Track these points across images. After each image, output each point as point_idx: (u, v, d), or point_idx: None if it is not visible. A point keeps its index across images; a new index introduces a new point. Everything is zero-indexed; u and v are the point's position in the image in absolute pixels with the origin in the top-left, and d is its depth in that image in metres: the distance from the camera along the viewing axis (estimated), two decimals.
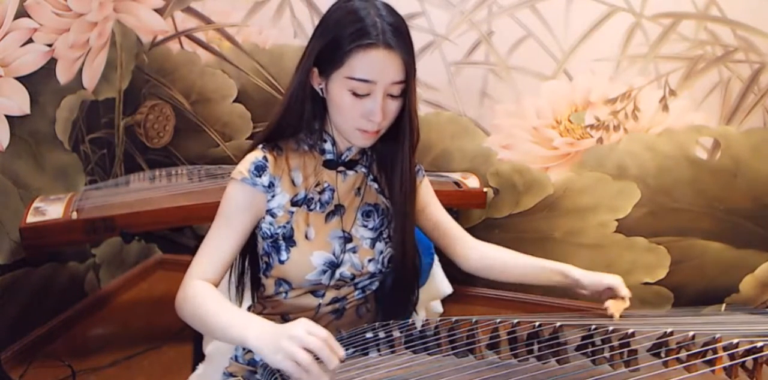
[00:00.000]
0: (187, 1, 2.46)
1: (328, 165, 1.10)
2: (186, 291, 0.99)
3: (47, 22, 2.10)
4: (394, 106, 1.00)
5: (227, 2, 2.42)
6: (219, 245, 1.03)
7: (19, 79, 2.02)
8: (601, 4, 2.10)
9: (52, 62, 2.16)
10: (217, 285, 1.02)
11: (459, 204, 2.21)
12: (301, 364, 0.77)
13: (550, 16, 2.15)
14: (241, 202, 1.05)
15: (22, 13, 1.99)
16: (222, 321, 0.91)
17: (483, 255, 1.22)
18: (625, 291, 1.12)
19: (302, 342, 0.79)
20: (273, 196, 1.06)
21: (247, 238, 1.07)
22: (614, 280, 1.14)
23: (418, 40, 2.25)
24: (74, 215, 1.79)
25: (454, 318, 0.97)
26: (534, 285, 1.21)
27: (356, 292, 1.14)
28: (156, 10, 2.49)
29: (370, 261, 1.11)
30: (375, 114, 0.98)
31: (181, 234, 2.74)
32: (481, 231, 2.41)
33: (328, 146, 1.09)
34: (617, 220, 2.30)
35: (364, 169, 1.13)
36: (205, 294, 0.97)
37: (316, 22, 1.03)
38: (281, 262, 1.07)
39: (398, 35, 0.96)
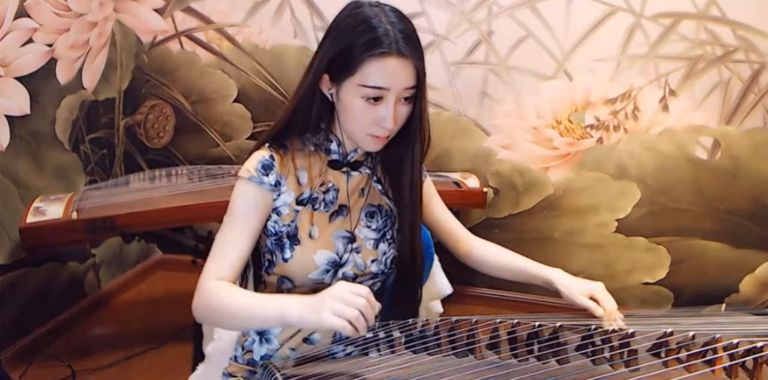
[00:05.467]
0: (187, 1, 2.46)
1: (333, 165, 1.11)
2: (204, 292, 1.00)
3: (47, 22, 2.10)
4: (404, 110, 1.02)
5: (227, 2, 2.42)
6: (231, 245, 1.04)
7: (19, 79, 2.02)
8: (601, 4, 2.10)
9: (52, 62, 2.16)
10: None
11: (459, 204, 2.21)
12: (350, 319, 0.83)
13: (550, 16, 2.15)
14: (250, 200, 1.05)
15: (22, 13, 1.99)
16: (256, 306, 0.94)
17: (482, 253, 1.26)
18: (599, 312, 1.06)
19: (346, 300, 0.85)
20: (279, 195, 1.06)
21: (259, 236, 1.08)
22: (587, 303, 1.07)
23: None
24: (74, 215, 1.79)
25: (454, 318, 0.98)
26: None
27: None
28: (156, 10, 2.49)
29: (373, 261, 1.11)
30: (387, 120, 0.99)
31: (181, 234, 2.75)
32: (481, 231, 2.40)
33: (333, 146, 1.10)
34: (617, 220, 2.30)
35: (368, 171, 1.14)
36: (226, 289, 0.99)
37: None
38: (285, 260, 1.08)
39: (410, 42, 0.98)
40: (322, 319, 0.84)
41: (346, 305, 0.84)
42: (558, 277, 1.14)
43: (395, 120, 1.00)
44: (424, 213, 1.22)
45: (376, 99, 0.99)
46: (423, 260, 1.20)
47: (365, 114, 1.00)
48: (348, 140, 1.09)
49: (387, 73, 0.97)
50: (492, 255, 1.25)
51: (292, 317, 0.89)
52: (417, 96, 1.02)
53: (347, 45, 0.97)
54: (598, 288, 1.10)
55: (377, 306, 0.88)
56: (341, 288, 0.87)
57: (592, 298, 1.08)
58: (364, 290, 0.86)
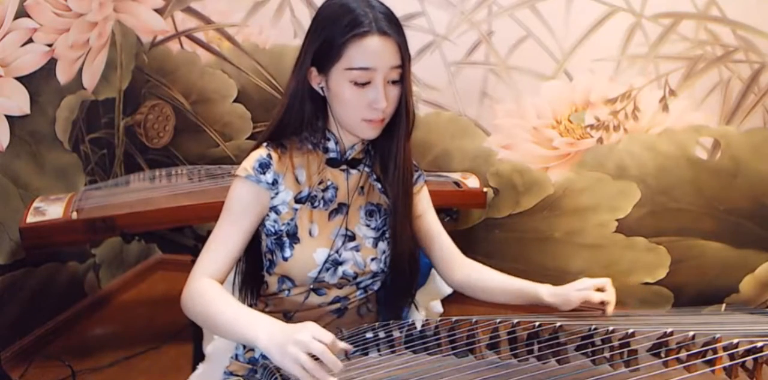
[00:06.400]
0: (187, 1, 2.46)
1: (332, 163, 1.11)
2: (191, 289, 0.99)
3: (47, 22, 2.10)
4: (395, 92, 1.02)
5: (227, 2, 2.42)
6: (224, 242, 1.03)
7: (19, 79, 2.02)
8: (601, 4, 2.10)
9: (52, 62, 2.16)
10: (223, 282, 1.02)
11: (459, 204, 2.21)
12: (306, 369, 0.80)
13: (550, 16, 2.15)
14: (245, 199, 1.05)
15: (22, 13, 1.99)
16: (229, 320, 0.91)
17: (469, 274, 1.20)
18: (596, 299, 1.04)
19: (307, 347, 0.80)
20: (277, 194, 1.06)
21: (252, 235, 1.07)
22: (580, 295, 1.05)
23: (418, 40, 2.27)
24: (74, 215, 1.79)
25: (454, 318, 0.97)
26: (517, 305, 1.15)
27: (358, 292, 1.14)
28: (156, 10, 2.49)
29: (372, 260, 1.11)
30: (379, 101, 0.99)
31: (181, 234, 2.74)
32: (481, 231, 2.41)
33: (331, 145, 1.10)
34: (617, 220, 2.30)
35: (367, 169, 1.14)
36: (211, 291, 0.97)
37: None
38: (285, 259, 1.08)
39: (390, 21, 0.99)
40: (283, 365, 0.82)
41: (305, 351, 0.80)
42: (542, 289, 1.09)
43: (387, 100, 0.99)
44: (416, 223, 1.18)
45: (365, 84, 0.98)
46: (419, 254, 1.18)
47: (356, 99, 1.00)
48: (345, 136, 1.09)
49: (371, 52, 0.97)
50: (479, 278, 1.19)
51: (260, 345, 0.86)
52: (404, 77, 1.02)
53: (329, 33, 0.98)
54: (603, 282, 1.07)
55: (341, 350, 0.84)
56: (306, 331, 0.82)
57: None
58: (328, 337, 0.82)
